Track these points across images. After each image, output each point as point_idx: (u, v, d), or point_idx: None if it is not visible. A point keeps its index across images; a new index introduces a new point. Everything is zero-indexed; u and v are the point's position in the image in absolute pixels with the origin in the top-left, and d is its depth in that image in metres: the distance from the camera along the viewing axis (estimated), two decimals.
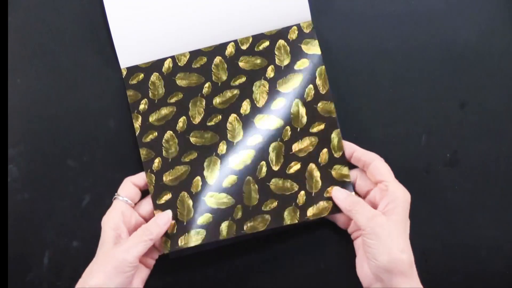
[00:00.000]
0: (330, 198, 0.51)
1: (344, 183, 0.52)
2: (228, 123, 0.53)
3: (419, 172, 0.55)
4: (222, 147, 0.52)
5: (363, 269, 0.49)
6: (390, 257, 0.46)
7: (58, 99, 0.55)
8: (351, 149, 0.52)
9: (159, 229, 0.49)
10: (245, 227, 0.51)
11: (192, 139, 0.53)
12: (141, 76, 0.54)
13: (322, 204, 0.52)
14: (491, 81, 0.56)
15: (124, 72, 0.54)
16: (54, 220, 0.55)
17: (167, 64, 0.54)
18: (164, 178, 0.52)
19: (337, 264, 0.54)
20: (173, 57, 0.54)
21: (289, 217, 0.51)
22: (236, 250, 0.54)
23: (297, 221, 0.51)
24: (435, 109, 0.56)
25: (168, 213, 0.51)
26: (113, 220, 0.48)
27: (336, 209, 0.51)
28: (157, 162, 0.52)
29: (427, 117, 0.56)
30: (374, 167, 0.50)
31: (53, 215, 0.55)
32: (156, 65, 0.54)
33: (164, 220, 0.50)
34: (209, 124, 0.53)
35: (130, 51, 0.54)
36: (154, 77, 0.54)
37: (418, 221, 0.54)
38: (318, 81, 0.53)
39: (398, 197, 0.48)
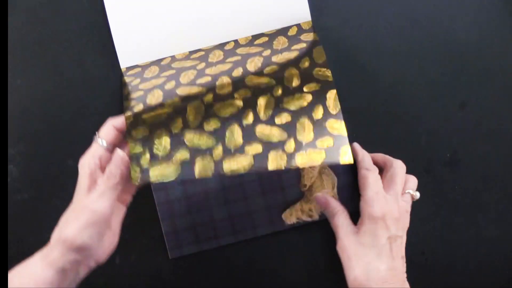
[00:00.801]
0: (323, 149, 0.48)
1: (339, 138, 0.48)
2: (217, 82, 0.51)
3: (419, 172, 0.55)
4: (209, 97, 0.50)
5: None
6: (349, 281, 0.48)
7: (58, 99, 0.55)
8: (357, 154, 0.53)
9: (120, 170, 0.46)
10: (224, 168, 0.47)
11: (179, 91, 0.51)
12: (139, 70, 0.54)
13: (313, 153, 0.48)
14: (491, 81, 0.56)
15: (124, 71, 0.54)
16: (54, 220, 0.55)
17: (166, 61, 0.54)
18: (143, 116, 0.49)
19: (337, 264, 0.54)
20: (172, 57, 0.54)
21: (274, 162, 0.47)
22: (236, 250, 0.54)
23: (283, 168, 0.47)
24: (435, 109, 0.56)
25: (119, 151, 0.47)
26: (89, 165, 0.46)
27: (329, 158, 0.48)
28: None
29: (427, 117, 0.56)
30: (359, 179, 0.51)
31: (53, 215, 0.54)
32: (155, 63, 0.54)
33: (120, 158, 0.46)
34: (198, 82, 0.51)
35: (130, 52, 0.54)
36: (150, 72, 0.53)
37: (418, 221, 0.54)
38: (314, 54, 0.52)
39: (368, 213, 0.49)
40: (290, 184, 0.54)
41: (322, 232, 0.54)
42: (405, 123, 0.56)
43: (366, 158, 0.52)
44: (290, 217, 0.54)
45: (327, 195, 0.53)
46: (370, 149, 0.54)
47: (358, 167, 0.51)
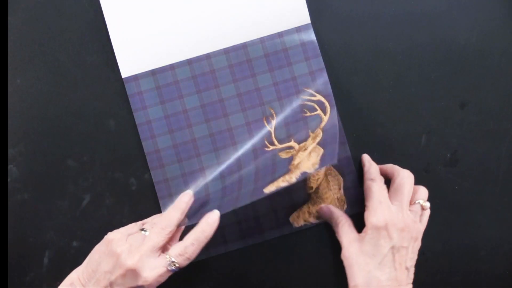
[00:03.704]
0: None
1: None
2: None
3: (419, 172, 0.55)
4: None
5: None
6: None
7: (58, 99, 0.55)
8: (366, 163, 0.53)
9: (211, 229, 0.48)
10: None
11: None
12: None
13: None
14: (491, 81, 0.56)
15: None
16: (54, 220, 0.55)
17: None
18: None
19: (337, 264, 0.54)
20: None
21: None
22: (236, 250, 0.54)
23: None
24: (435, 109, 0.56)
25: (216, 213, 0.48)
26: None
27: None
28: None
29: (427, 117, 0.56)
30: (364, 189, 0.51)
31: (53, 215, 0.55)
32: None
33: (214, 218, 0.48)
34: None
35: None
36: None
37: None
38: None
39: (370, 223, 0.48)
40: (296, 187, 0.54)
41: (330, 234, 0.54)
42: (405, 123, 0.56)
43: (372, 169, 0.52)
44: (298, 219, 0.54)
45: (330, 205, 0.53)
46: (370, 149, 0.54)
47: (364, 178, 0.52)
